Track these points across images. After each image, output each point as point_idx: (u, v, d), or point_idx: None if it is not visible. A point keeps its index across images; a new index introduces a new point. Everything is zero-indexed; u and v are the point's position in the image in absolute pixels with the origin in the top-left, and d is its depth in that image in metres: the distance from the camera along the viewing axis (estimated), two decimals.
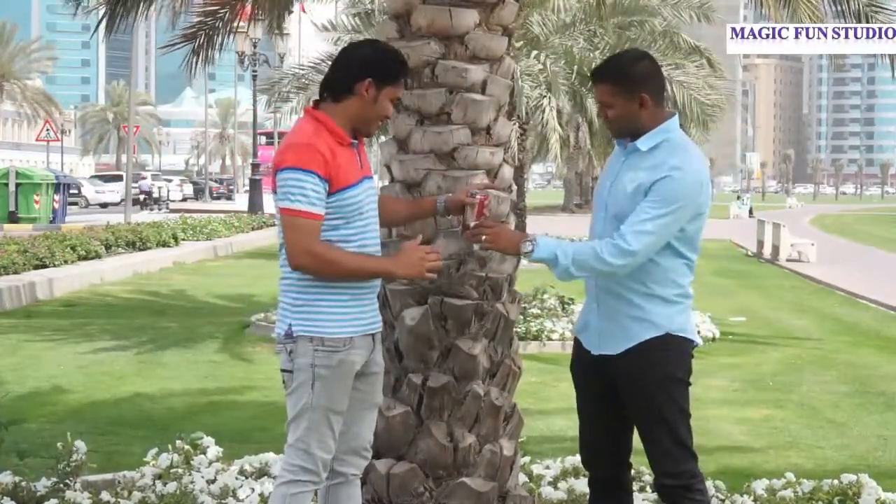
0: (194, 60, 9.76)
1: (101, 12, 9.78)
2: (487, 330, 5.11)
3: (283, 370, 4.18)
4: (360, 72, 4.15)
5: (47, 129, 50.44)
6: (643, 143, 4.34)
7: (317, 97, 4.30)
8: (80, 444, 5.94)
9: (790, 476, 6.18)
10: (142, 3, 9.50)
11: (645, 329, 4.32)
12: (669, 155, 4.28)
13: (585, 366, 4.50)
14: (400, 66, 4.23)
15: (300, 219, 4.03)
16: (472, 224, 4.49)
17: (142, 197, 53.21)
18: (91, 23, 10.71)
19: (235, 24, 9.71)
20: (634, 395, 4.36)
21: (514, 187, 5.45)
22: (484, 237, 4.39)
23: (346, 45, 4.36)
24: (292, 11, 10.77)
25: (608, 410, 4.47)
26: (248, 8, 10.33)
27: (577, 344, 4.58)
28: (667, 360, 4.34)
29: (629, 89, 4.31)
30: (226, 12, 9.58)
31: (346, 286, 4.14)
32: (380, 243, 4.30)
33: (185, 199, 65.74)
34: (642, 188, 4.25)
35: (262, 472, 6.14)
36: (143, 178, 59.50)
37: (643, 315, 4.32)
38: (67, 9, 10.44)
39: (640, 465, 5.70)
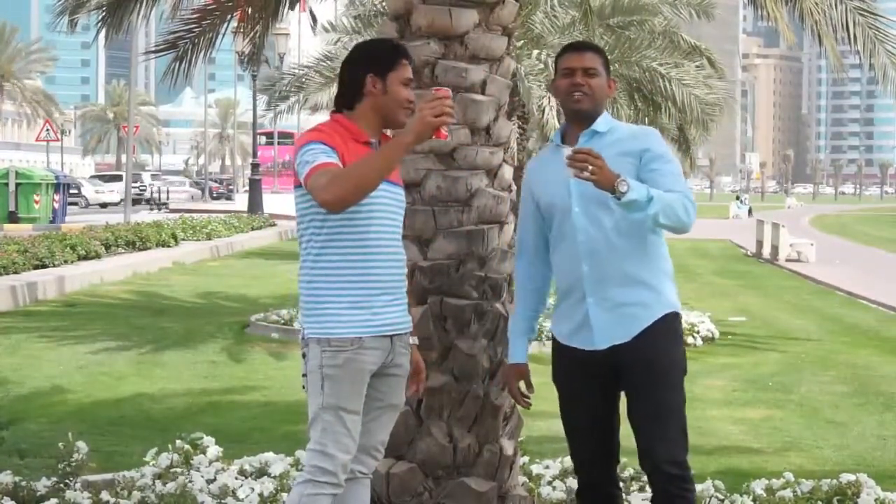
0: (176, 67, 9.67)
1: (100, 18, 9.73)
2: (487, 330, 5.12)
3: (303, 374, 4.20)
4: (359, 72, 4.20)
5: (47, 130, 50.33)
6: (601, 126, 4.40)
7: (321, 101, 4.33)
8: (82, 444, 5.95)
9: (789, 476, 6.18)
10: (138, 12, 9.42)
11: (654, 309, 4.31)
12: (626, 127, 4.45)
13: (583, 370, 4.39)
14: (392, 50, 4.26)
15: (314, 175, 3.97)
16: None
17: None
18: (90, 23, 10.67)
19: (223, 29, 9.59)
20: (650, 381, 4.29)
21: (514, 187, 5.45)
22: (591, 168, 4.09)
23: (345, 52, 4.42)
24: (298, 6, 10.65)
25: (602, 412, 4.43)
26: (241, 10, 10.22)
27: (566, 351, 4.45)
28: (677, 345, 4.37)
29: (608, 69, 4.43)
30: (211, 21, 9.47)
31: (353, 286, 4.11)
32: (401, 244, 4.24)
33: None
34: (631, 154, 4.30)
35: (261, 472, 6.13)
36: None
37: (648, 296, 4.31)
38: (65, 13, 10.40)
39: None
